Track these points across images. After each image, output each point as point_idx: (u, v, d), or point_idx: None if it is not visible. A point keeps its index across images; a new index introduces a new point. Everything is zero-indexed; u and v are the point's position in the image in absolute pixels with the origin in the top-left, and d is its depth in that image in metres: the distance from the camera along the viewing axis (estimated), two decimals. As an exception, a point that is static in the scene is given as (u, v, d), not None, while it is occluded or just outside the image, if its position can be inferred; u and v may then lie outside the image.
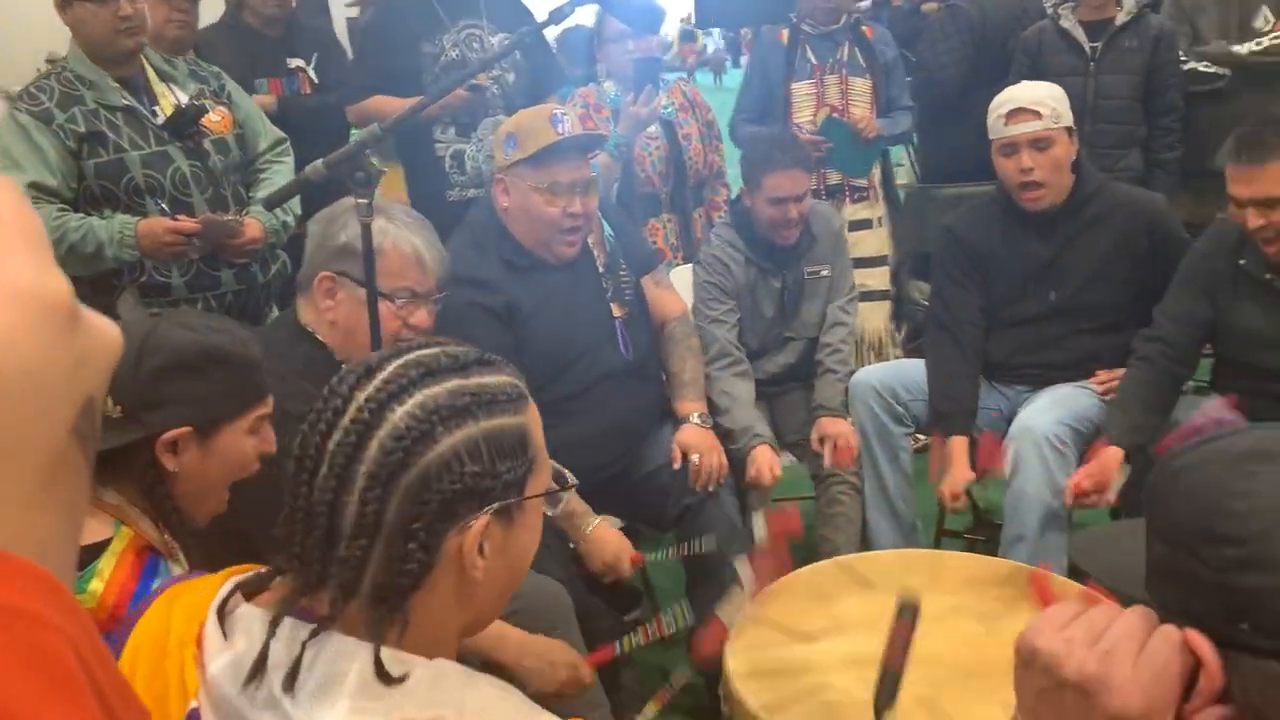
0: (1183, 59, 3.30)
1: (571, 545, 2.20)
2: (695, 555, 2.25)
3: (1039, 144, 2.43)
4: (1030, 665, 0.67)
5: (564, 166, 2.16)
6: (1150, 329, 2.37)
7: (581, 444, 2.19)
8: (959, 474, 2.44)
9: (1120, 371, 2.42)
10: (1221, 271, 2.28)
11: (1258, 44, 3.25)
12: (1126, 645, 0.63)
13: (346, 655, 0.79)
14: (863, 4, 3.99)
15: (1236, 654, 0.60)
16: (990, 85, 2.70)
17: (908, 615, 1.30)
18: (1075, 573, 2.17)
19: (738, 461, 2.42)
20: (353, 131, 3.14)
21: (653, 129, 2.98)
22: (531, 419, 0.91)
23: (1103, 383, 2.47)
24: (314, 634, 0.80)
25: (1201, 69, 3.31)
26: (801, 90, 3.26)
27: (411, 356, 0.88)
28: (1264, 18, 3.27)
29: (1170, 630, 0.63)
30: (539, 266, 2.25)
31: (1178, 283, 2.35)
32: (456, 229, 2.28)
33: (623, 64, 2.98)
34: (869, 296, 3.34)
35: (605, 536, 2.12)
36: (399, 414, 0.83)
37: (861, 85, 3.26)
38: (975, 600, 1.85)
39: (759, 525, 2.04)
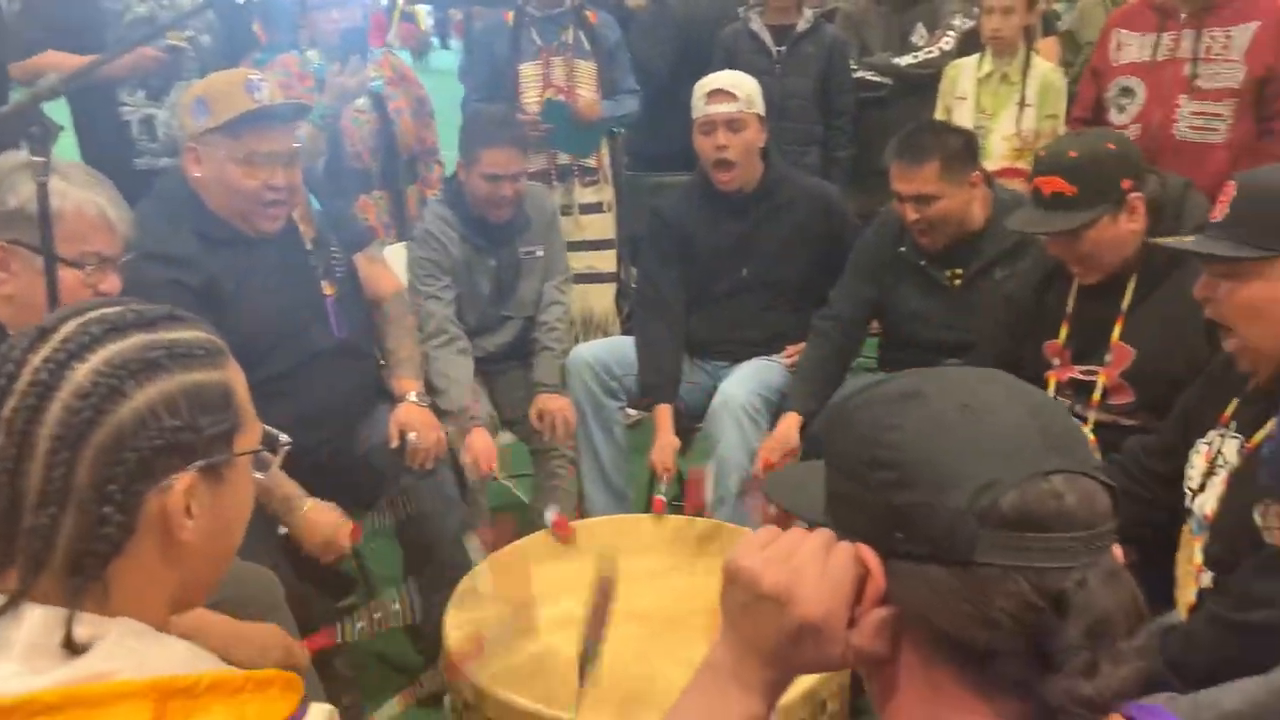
0: (854, 67, 3.68)
1: (282, 531, 2.12)
2: (413, 539, 2.24)
3: (733, 125, 2.62)
4: (734, 583, 0.76)
5: (264, 136, 2.05)
6: (826, 308, 2.64)
7: (291, 425, 2.07)
8: (665, 440, 2.61)
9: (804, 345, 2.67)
10: (885, 258, 2.57)
11: (914, 57, 3.69)
12: (811, 561, 0.73)
13: (22, 621, 0.75)
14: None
15: (895, 561, 0.71)
16: (694, 79, 2.87)
17: (606, 585, 1.43)
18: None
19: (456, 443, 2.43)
20: (14, 89, 2.81)
21: (361, 102, 2.91)
22: (234, 375, 0.88)
23: (789, 356, 2.73)
24: (2, 610, 0.75)
25: (869, 78, 3.70)
26: (528, 71, 3.31)
27: (92, 314, 0.82)
28: (920, 34, 3.71)
29: (845, 546, 0.73)
30: (241, 242, 2.13)
31: (849, 267, 2.64)
32: (144, 200, 2.11)
33: (328, 32, 2.88)
34: (599, 278, 3.46)
35: (319, 514, 2.06)
36: (82, 371, 0.78)
37: (586, 68, 3.34)
38: (680, 558, 1.99)
39: (473, 547, 2.06)
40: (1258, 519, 1.11)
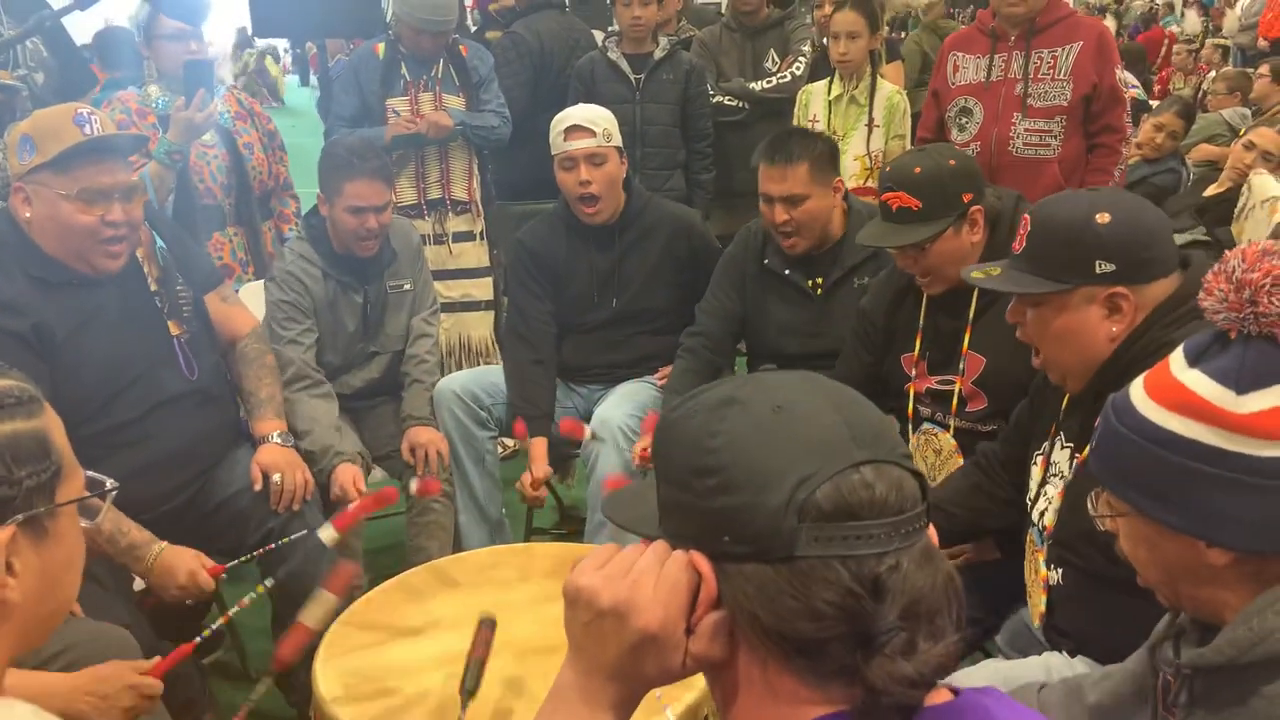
0: (711, 93, 3.76)
1: (139, 586, 2.01)
2: (282, 587, 2.15)
3: (594, 159, 2.64)
4: (575, 603, 0.77)
5: (97, 169, 1.96)
6: (693, 326, 2.68)
7: (143, 473, 2.01)
8: (538, 470, 2.60)
9: (675, 365, 2.70)
10: (750, 271, 2.63)
11: (768, 82, 3.80)
12: (648, 573, 0.74)
13: None
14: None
15: (726, 564, 0.72)
16: (550, 109, 2.89)
17: (487, 626, 1.48)
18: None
19: (324, 483, 2.36)
20: None
21: (208, 137, 2.81)
22: (51, 423, 0.84)
23: (662, 376, 2.76)
24: None
25: (726, 102, 3.80)
26: (397, 106, 3.27)
27: None
28: (772, 59, 3.83)
29: (679, 555, 0.74)
30: (77, 283, 2.02)
31: (714, 282, 2.68)
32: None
33: (172, 67, 2.79)
34: (474, 306, 3.45)
35: (174, 556, 1.97)
36: None
37: (455, 102, 3.32)
38: (560, 585, 1.97)
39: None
40: (1090, 508, 1.17)
